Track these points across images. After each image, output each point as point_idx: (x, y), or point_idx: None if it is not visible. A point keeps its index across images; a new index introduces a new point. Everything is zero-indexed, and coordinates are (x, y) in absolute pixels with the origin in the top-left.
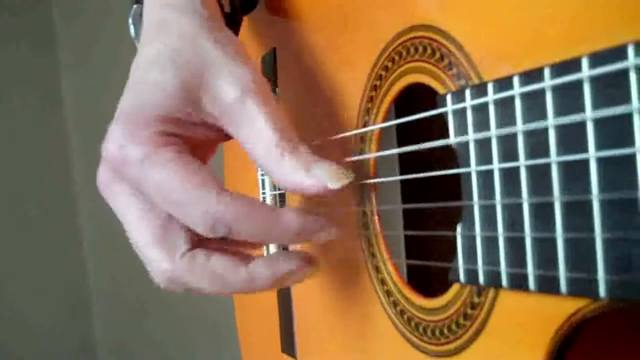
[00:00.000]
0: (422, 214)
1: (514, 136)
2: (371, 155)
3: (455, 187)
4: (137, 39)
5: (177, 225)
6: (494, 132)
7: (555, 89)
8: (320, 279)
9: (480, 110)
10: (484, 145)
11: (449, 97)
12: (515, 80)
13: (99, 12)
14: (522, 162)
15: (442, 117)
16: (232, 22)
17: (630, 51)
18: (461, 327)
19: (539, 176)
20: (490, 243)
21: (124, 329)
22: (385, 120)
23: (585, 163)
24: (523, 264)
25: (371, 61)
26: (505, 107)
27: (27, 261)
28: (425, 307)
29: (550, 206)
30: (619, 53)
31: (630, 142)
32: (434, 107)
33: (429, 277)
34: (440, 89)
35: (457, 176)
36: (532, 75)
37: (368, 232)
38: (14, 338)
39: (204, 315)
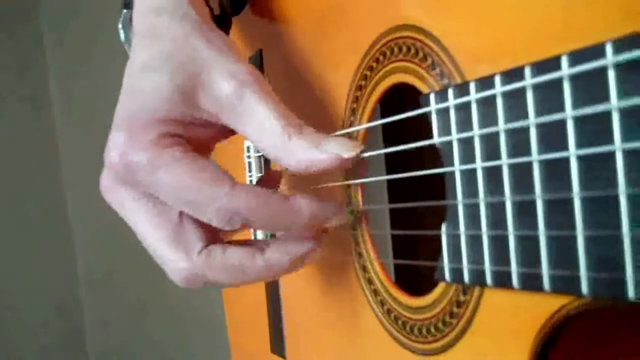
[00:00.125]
0: (410, 213)
1: (496, 135)
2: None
3: (442, 186)
4: (127, 44)
5: (190, 224)
6: (476, 131)
7: (536, 88)
8: (308, 279)
9: (463, 110)
10: (467, 145)
11: (432, 97)
12: (497, 79)
13: (88, 17)
14: (505, 160)
15: (428, 116)
16: (222, 24)
17: (609, 49)
18: (447, 325)
19: (521, 174)
20: (475, 241)
21: (124, 329)
22: (370, 120)
23: (566, 161)
24: (507, 262)
25: (356, 61)
26: (487, 106)
27: (21, 262)
28: (412, 306)
29: (532, 204)
30: (597, 51)
31: (610, 140)
32: (419, 106)
33: (416, 276)
34: (424, 89)
35: (443, 175)
36: (513, 74)
37: (355, 232)
38: (13, 338)
39: (204, 315)
